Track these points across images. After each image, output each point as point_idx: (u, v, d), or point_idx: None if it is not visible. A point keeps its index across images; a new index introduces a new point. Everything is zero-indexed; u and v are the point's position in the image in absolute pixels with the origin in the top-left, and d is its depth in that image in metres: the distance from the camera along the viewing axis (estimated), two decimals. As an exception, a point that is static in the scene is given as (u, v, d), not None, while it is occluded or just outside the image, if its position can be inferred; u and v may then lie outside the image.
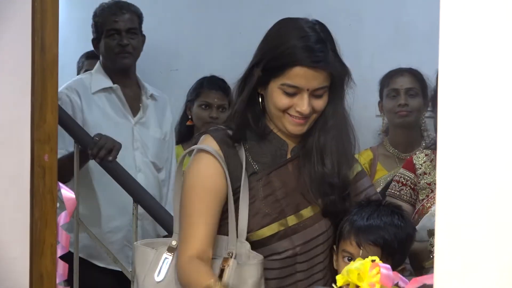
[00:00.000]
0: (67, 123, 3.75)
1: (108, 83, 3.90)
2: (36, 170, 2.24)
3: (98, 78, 3.98)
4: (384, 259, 2.22)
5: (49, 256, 2.25)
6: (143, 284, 2.52)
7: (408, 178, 3.20)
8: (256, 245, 2.36)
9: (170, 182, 4.18)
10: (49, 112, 2.26)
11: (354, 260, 2.16)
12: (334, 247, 2.48)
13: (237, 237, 2.35)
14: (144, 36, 3.96)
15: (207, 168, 2.35)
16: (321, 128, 2.38)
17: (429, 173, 3.19)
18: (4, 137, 2.19)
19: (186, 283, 2.30)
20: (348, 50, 4.19)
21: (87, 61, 5.13)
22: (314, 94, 2.30)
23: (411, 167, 3.25)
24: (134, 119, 4.00)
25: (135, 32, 3.88)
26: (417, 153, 3.35)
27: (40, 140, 2.25)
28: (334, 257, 2.48)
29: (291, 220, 2.38)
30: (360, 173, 2.55)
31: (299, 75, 2.25)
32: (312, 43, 2.26)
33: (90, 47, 5.22)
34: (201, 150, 2.39)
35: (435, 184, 3.05)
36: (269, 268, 2.38)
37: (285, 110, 2.32)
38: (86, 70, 5.12)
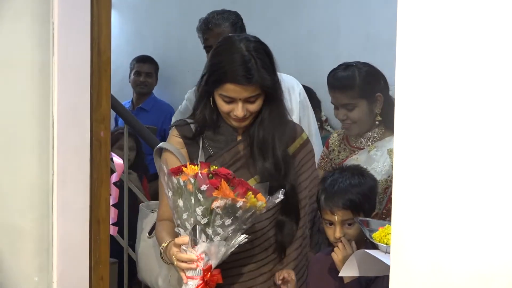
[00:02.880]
0: (119, 109, 3.72)
1: None
2: (94, 143, 2.27)
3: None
4: (356, 215, 2.22)
5: (103, 207, 2.28)
6: (139, 238, 2.61)
7: (324, 153, 3.06)
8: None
9: None
10: (103, 99, 2.29)
11: (334, 225, 2.23)
12: (319, 212, 2.38)
13: None
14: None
15: (168, 164, 2.24)
16: (260, 123, 2.32)
17: (335, 149, 3.01)
18: (70, 118, 2.20)
19: (156, 238, 2.32)
20: (328, 55, 4.22)
21: (137, 64, 5.13)
22: (247, 100, 2.25)
23: (327, 145, 3.07)
24: None
25: None
26: (334, 134, 3.09)
27: (97, 120, 2.28)
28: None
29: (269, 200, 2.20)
30: (298, 147, 2.45)
31: (231, 89, 2.22)
32: (237, 63, 2.21)
33: (138, 53, 5.24)
34: (164, 149, 2.36)
35: (335, 158, 2.97)
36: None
37: (227, 113, 2.27)
38: (136, 71, 5.12)
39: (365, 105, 2.83)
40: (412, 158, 1.31)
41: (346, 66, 2.93)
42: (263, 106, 2.31)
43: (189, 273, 2.07)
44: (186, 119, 2.42)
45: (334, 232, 2.24)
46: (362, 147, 2.90)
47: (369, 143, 2.88)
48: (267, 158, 2.32)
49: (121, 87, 5.11)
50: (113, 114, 3.54)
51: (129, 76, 5.17)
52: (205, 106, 2.35)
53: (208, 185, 1.96)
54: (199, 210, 2.00)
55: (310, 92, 4.01)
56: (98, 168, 2.27)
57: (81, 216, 2.23)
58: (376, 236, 2.01)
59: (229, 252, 2.09)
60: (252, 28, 3.74)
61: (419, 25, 1.30)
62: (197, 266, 2.04)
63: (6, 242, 2.13)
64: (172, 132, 2.40)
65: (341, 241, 2.21)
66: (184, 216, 2.05)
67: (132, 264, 3.83)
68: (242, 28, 3.28)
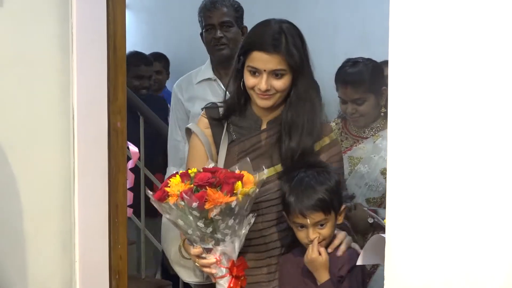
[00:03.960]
0: (134, 101, 3.71)
1: (209, 74, 3.17)
2: (112, 133, 2.26)
3: (204, 70, 3.21)
4: (327, 213, 2.04)
5: (121, 192, 2.27)
6: None
7: None
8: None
9: None
10: (119, 92, 2.28)
11: (306, 227, 2.04)
12: (285, 213, 2.13)
13: None
14: (245, 27, 3.13)
15: (193, 147, 2.24)
16: (289, 106, 2.16)
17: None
18: (89, 110, 2.20)
19: None
20: (326, 51, 4.19)
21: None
22: (273, 75, 2.09)
23: None
24: None
25: (230, 25, 3.09)
26: (332, 123, 2.96)
27: (114, 112, 2.26)
28: (289, 222, 2.13)
29: (262, 175, 2.08)
30: (326, 146, 2.25)
31: (256, 58, 2.07)
32: (267, 34, 2.08)
33: (151, 50, 5.21)
34: (191, 131, 2.27)
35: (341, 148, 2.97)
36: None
37: (252, 88, 2.12)
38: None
39: (373, 99, 2.84)
40: (405, 156, 1.30)
41: (353, 62, 2.93)
42: (292, 88, 2.15)
43: (217, 274, 2.03)
44: (218, 102, 2.31)
45: (307, 235, 2.05)
46: (364, 136, 2.88)
47: (372, 132, 2.87)
48: (294, 138, 2.14)
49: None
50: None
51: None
52: (236, 89, 2.22)
53: (197, 202, 1.85)
54: (200, 224, 1.91)
55: (316, 87, 3.99)
56: (116, 156, 2.26)
57: (100, 201, 2.22)
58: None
59: (244, 237, 2.01)
60: (252, 25, 3.71)
61: (411, 22, 1.29)
62: (221, 266, 2.00)
63: (32, 225, 2.13)
64: (202, 113, 2.30)
65: (313, 243, 2.04)
66: (190, 231, 1.97)
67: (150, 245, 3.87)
68: (241, 17, 3.16)
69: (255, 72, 2.11)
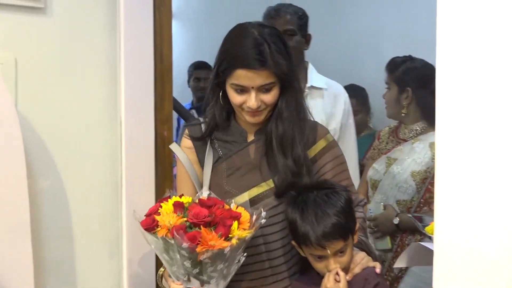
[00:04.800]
0: (180, 110, 3.72)
1: None
2: (158, 141, 2.28)
3: None
4: (347, 238, 1.83)
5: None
6: None
7: (375, 144, 3.07)
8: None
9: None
10: (166, 102, 2.30)
11: (326, 258, 1.82)
12: (293, 242, 1.91)
13: None
14: (309, 35, 3.02)
15: (178, 170, 2.06)
16: (277, 117, 1.94)
17: (384, 141, 3.03)
18: (136, 119, 2.22)
19: None
20: (371, 57, 4.17)
21: (195, 71, 5.07)
22: (262, 89, 1.88)
23: (378, 137, 3.09)
24: None
25: (292, 33, 2.94)
26: (386, 128, 3.10)
27: (161, 121, 2.28)
28: (300, 251, 1.91)
29: (252, 192, 1.94)
30: (322, 150, 2.04)
31: (242, 76, 1.85)
32: (248, 48, 1.85)
33: (197, 59, 5.24)
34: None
35: (383, 148, 2.97)
36: None
37: (240, 105, 1.91)
38: (195, 78, 5.07)
39: (396, 92, 2.90)
40: (453, 153, 1.28)
41: (409, 58, 3.01)
42: (279, 98, 1.94)
43: None
44: (201, 118, 2.11)
45: (327, 265, 1.84)
46: (407, 139, 2.89)
47: (411, 134, 2.88)
48: (288, 155, 1.94)
49: (182, 90, 5.14)
50: (175, 115, 3.56)
51: (188, 81, 5.18)
52: (215, 103, 2.00)
53: (188, 243, 1.66)
54: (187, 263, 1.72)
55: (363, 92, 3.96)
56: (162, 164, 2.28)
57: (147, 207, 2.22)
58: (428, 229, 1.99)
59: (232, 275, 1.80)
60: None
61: (458, 27, 1.27)
62: None
63: (81, 232, 2.16)
64: (184, 132, 2.09)
65: (336, 272, 1.83)
66: (174, 268, 1.77)
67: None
68: (305, 25, 3.01)
69: (241, 89, 1.90)
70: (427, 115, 2.83)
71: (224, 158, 2.00)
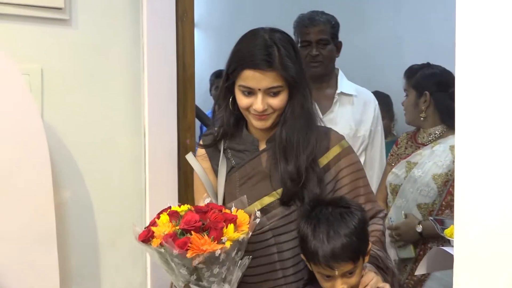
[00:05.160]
0: (203, 118, 3.73)
1: None
2: (181, 149, 2.29)
3: None
4: (357, 261, 1.76)
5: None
6: None
7: (393, 150, 3.06)
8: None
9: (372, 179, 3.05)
10: (188, 110, 2.31)
11: (333, 278, 1.76)
12: (303, 256, 1.84)
13: None
14: (339, 43, 3.03)
15: (194, 179, 2.04)
16: (283, 124, 1.89)
17: (402, 146, 3.03)
18: (159, 128, 2.23)
19: None
20: (393, 63, 4.15)
21: (216, 80, 5.05)
22: (269, 93, 1.84)
23: (397, 143, 3.08)
24: (321, 116, 2.67)
25: (326, 42, 2.95)
26: (404, 133, 3.11)
27: (183, 129, 2.30)
28: (308, 264, 1.85)
29: (264, 201, 1.90)
30: (337, 156, 1.96)
31: (249, 77, 1.81)
32: (257, 48, 1.82)
33: (219, 67, 5.25)
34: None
35: (402, 154, 2.96)
36: (249, 241, 1.84)
37: (247, 108, 1.87)
38: (216, 86, 5.07)
39: (414, 96, 2.90)
40: (473, 155, 1.28)
41: (427, 64, 3.02)
42: (287, 104, 1.89)
43: None
44: (215, 127, 2.05)
45: (334, 285, 1.78)
46: (426, 143, 2.89)
47: (430, 138, 2.88)
48: (290, 161, 1.88)
49: (205, 99, 5.16)
50: (197, 123, 3.58)
51: (210, 90, 5.20)
52: (225, 108, 1.97)
53: (177, 250, 1.63)
54: (183, 271, 1.69)
55: (387, 99, 3.95)
56: (185, 171, 2.29)
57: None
58: (447, 232, 1.99)
59: (238, 279, 1.75)
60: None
61: (476, 31, 1.27)
62: None
63: (107, 238, 2.17)
64: (199, 146, 2.07)
65: None
66: (173, 277, 1.74)
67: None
68: (337, 34, 3.02)
69: (248, 91, 1.86)
70: (446, 118, 2.83)
71: (237, 167, 1.97)
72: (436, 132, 2.88)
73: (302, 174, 1.87)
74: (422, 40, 4.04)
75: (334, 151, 1.96)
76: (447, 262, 1.87)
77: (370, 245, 1.84)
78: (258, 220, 1.74)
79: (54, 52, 2.08)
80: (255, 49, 1.84)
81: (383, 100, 3.90)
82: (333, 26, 2.99)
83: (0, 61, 1.84)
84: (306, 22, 2.98)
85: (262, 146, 1.98)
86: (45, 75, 2.06)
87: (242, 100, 1.87)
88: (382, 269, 1.88)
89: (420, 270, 2.07)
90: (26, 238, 1.87)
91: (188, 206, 1.77)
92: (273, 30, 1.90)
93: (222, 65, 5.44)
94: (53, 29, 2.07)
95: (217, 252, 1.63)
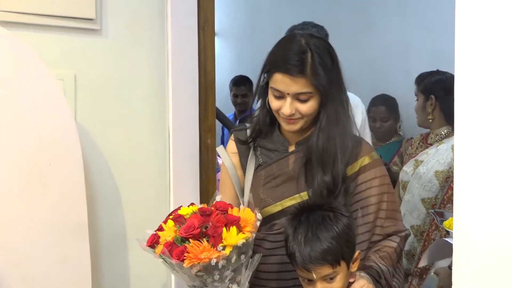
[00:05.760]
0: (224, 120, 3.73)
1: None
2: (203, 149, 2.29)
3: None
4: (336, 265, 1.61)
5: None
6: None
7: (409, 151, 3.12)
8: (261, 222, 1.71)
9: None
10: (209, 112, 2.31)
11: (313, 281, 1.62)
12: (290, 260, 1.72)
13: None
14: None
15: (221, 173, 1.96)
16: (319, 130, 1.78)
17: (415, 146, 3.09)
18: (183, 129, 2.23)
19: None
20: (400, 70, 4.13)
21: (233, 87, 5.07)
22: (298, 98, 1.73)
23: (411, 143, 3.15)
24: None
25: None
26: (418, 135, 3.16)
27: (205, 130, 2.29)
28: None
29: (286, 203, 1.80)
30: (364, 167, 1.83)
31: (279, 80, 1.71)
32: (291, 53, 1.71)
33: (239, 73, 5.25)
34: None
35: (413, 153, 2.99)
36: (267, 240, 1.81)
37: (277, 111, 1.78)
38: (233, 94, 5.03)
39: (422, 100, 2.97)
40: (471, 153, 1.27)
41: (436, 71, 3.05)
42: (321, 111, 1.78)
43: None
44: (248, 123, 1.98)
45: None
46: (433, 143, 2.95)
47: (437, 138, 2.93)
48: (327, 170, 1.75)
49: (226, 102, 5.17)
50: (219, 124, 3.59)
51: (230, 95, 5.19)
52: (262, 107, 1.88)
53: (175, 260, 1.52)
54: (186, 277, 1.60)
55: (393, 101, 3.93)
56: (206, 169, 2.29)
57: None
58: (445, 224, 1.98)
59: (248, 278, 1.65)
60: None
61: (474, 38, 1.26)
62: None
63: (134, 230, 2.17)
64: (230, 139, 1.99)
65: None
66: (182, 280, 1.65)
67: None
68: None
69: (278, 95, 1.76)
70: (451, 120, 2.86)
71: (264, 166, 1.87)
72: (442, 132, 2.93)
73: (338, 184, 1.75)
74: (427, 47, 4.01)
75: (364, 161, 1.84)
76: (448, 251, 1.88)
77: (358, 252, 1.69)
78: (259, 223, 1.63)
79: (86, 59, 2.10)
80: (288, 53, 1.73)
81: (389, 102, 3.88)
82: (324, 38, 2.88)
83: (37, 68, 1.85)
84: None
85: (291, 148, 1.88)
86: (78, 81, 2.07)
87: (273, 102, 1.78)
88: (380, 284, 1.73)
89: (423, 262, 2.08)
90: (60, 231, 1.88)
91: (195, 207, 1.64)
92: (311, 36, 1.79)
93: (241, 71, 5.49)
94: (85, 38, 2.09)
95: (213, 261, 1.50)
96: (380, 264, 1.74)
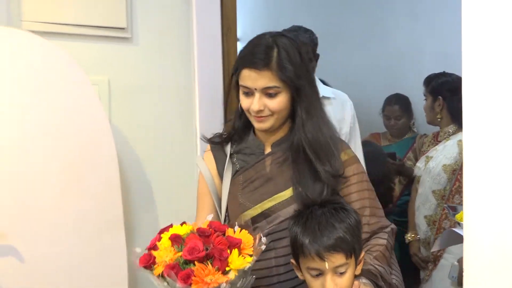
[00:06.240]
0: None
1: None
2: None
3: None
4: (349, 256, 1.44)
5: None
6: None
7: (423, 148, 3.16)
8: (243, 227, 1.52)
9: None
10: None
11: (323, 274, 1.43)
12: (293, 261, 1.53)
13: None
14: (318, 55, 2.78)
15: (199, 182, 1.80)
16: (302, 126, 1.63)
17: (426, 144, 3.14)
18: (208, 130, 2.17)
19: None
20: (412, 70, 4.09)
21: None
22: (266, 93, 1.59)
23: (423, 141, 3.21)
24: None
25: (310, 57, 2.72)
26: (430, 134, 3.21)
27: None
28: (298, 272, 1.52)
29: (265, 204, 1.65)
30: (343, 164, 1.68)
31: (246, 76, 1.59)
32: (256, 48, 1.60)
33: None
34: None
35: (425, 150, 3.05)
36: None
37: (248, 110, 1.64)
38: None
39: (430, 101, 3.01)
40: (478, 148, 1.27)
41: (443, 73, 3.09)
42: (297, 106, 1.63)
43: None
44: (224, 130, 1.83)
45: (324, 284, 1.43)
46: (442, 140, 3.00)
47: (445, 136, 2.98)
48: (325, 160, 1.62)
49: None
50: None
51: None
52: (236, 111, 1.75)
53: (181, 284, 1.34)
54: None
55: (406, 100, 3.92)
56: (230, 167, 2.29)
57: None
58: (457, 217, 1.98)
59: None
60: (343, 49, 3.64)
61: (481, 39, 1.25)
62: None
63: (167, 224, 2.19)
64: (206, 148, 1.83)
65: None
66: None
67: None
68: (316, 48, 2.80)
69: (248, 92, 1.62)
70: (457, 119, 2.90)
71: (241, 171, 1.72)
72: (450, 130, 2.98)
73: (338, 171, 1.63)
74: (438, 49, 3.98)
75: (343, 157, 1.69)
76: (457, 239, 1.88)
77: (364, 254, 1.54)
78: (263, 247, 1.44)
79: (119, 65, 2.12)
80: (254, 48, 1.61)
81: (402, 101, 3.88)
82: (315, 43, 2.80)
83: (74, 74, 1.87)
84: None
85: (267, 150, 1.73)
86: (111, 85, 2.10)
87: (243, 101, 1.65)
88: (380, 286, 1.58)
89: (435, 248, 2.12)
90: (97, 226, 1.89)
91: (190, 227, 1.46)
92: (280, 34, 1.66)
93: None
94: (118, 46, 2.11)
95: (222, 286, 1.35)
96: (376, 266, 1.59)
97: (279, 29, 2.90)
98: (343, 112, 2.83)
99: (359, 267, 1.51)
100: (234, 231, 1.44)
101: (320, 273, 1.44)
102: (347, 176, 1.66)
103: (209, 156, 1.79)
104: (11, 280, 1.76)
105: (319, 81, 2.89)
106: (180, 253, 1.37)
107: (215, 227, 1.44)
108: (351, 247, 1.45)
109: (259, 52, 1.59)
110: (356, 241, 1.47)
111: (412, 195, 3.07)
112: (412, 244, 3.01)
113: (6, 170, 1.76)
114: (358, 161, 1.73)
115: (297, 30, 2.83)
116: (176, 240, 1.41)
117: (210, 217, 1.51)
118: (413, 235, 3.00)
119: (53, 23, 1.99)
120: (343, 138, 2.72)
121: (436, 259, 2.84)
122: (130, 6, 2.12)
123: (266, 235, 1.54)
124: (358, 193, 1.67)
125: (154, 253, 1.41)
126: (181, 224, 1.47)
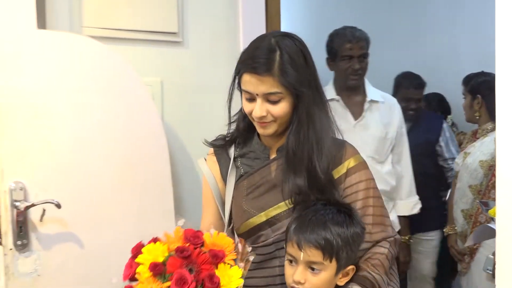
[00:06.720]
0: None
1: (332, 94, 2.66)
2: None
3: (327, 91, 2.43)
4: (327, 259, 1.33)
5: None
6: None
7: (462, 146, 3.14)
8: (244, 235, 1.53)
9: (398, 173, 2.81)
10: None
11: (296, 263, 1.36)
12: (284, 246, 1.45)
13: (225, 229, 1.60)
14: (368, 54, 2.71)
15: (203, 186, 1.65)
16: (290, 133, 1.48)
17: (465, 140, 3.12)
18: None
19: None
20: (451, 71, 4.01)
21: None
22: (268, 99, 1.44)
23: (462, 139, 3.23)
24: (354, 122, 2.66)
25: (366, 56, 2.67)
26: (469, 132, 3.17)
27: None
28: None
29: (271, 212, 1.51)
30: (350, 170, 1.53)
31: (247, 81, 1.43)
32: (257, 52, 1.44)
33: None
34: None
35: (464, 147, 3.00)
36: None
37: (250, 115, 1.49)
38: None
39: (469, 99, 2.97)
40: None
41: (482, 73, 3.06)
42: (294, 113, 1.48)
43: None
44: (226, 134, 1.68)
45: (294, 273, 1.35)
46: (480, 137, 2.94)
47: (483, 133, 2.92)
48: (299, 172, 1.47)
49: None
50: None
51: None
52: (239, 113, 1.61)
53: None
54: None
55: (442, 98, 3.87)
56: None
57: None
58: (490, 212, 1.95)
59: None
60: (384, 51, 3.57)
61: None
62: None
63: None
64: (209, 151, 1.69)
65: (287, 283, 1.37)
66: None
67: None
68: (368, 47, 2.72)
69: (250, 97, 1.47)
70: (495, 116, 2.82)
71: (246, 176, 1.57)
72: (488, 127, 2.92)
73: (314, 188, 1.46)
74: (475, 50, 3.89)
75: (349, 164, 1.54)
76: (491, 234, 1.84)
77: (352, 268, 1.42)
78: (252, 258, 1.32)
79: (171, 68, 2.13)
80: (256, 51, 1.45)
81: (438, 99, 3.87)
82: (368, 41, 2.72)
83: (129, 76, 1.90)
84: (350, 38, 2.67)
85: (273, 155, 1.58)
86: (164, 86, 2.12)
87: (245, 106, 1.50)
88: None
89: (468, 242, 2.09)
90: (150, 217, 1.91)
91: (161, 246, 1.26)
92: (284, 35, 1.49)
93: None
94: (170, 49, 2.13)
95: None
96: (373, 273, 1.46)
97: (322, 32, 2.86)
98: (390, 116, 2.76)
99: (344, 280, 1.40)
100: (211, 235, 1.30)
101: (295, 262, 1.37)
102: (354, 183, 1.53)
103: (212, 159, 1.65)
104: (71, 263, 1.81)
105: (369, 84, 2.80)
106: (167, 284, 1.20)
107: (190, 237, 1.28)
108: (334, 251, 1.34)
109: (261, 56, 1.43)
110: (345, 250, 1.35)
111: (452, 190, 3.05)
112: (450, 237, 2.99)
113: (68, 165, 1.79)
114: (366, 167, 1.57)
115: (352, 28, 2.80)
116: (156, 270, 1.22)
117: (181, 223, 1.36)
118: (451, 228, 2.97)
119: (110, 29, 2.02)
120: (388, 143, 2.72)
121: (472, 252, 2.80)
122: (181, 13, 2.14)
123: (271, 243, 1.50)
124: (363, 200, 1.53)
125: (136, 287, 1.23)
126: (154, 241, 1.28)
